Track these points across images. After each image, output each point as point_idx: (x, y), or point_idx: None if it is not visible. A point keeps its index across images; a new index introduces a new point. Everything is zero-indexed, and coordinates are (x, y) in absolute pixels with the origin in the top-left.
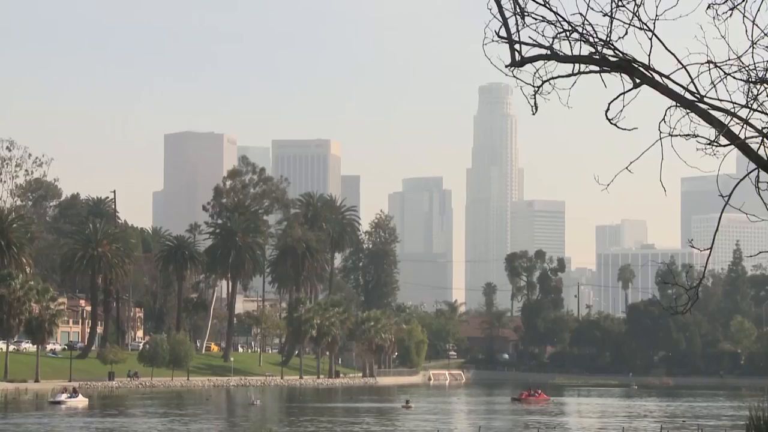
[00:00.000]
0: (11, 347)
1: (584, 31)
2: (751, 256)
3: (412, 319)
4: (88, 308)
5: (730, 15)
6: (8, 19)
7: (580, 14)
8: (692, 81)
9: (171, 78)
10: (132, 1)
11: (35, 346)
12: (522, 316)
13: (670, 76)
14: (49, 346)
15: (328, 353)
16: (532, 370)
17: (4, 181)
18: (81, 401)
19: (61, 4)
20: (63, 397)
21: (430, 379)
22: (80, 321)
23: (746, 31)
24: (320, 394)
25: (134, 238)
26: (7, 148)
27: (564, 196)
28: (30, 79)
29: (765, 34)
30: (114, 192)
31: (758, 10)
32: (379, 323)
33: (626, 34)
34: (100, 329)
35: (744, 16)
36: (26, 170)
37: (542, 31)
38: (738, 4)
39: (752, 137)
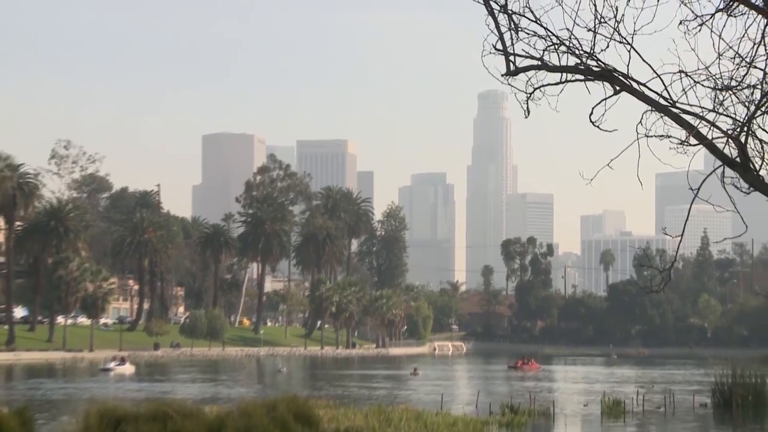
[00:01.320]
0: (69, 321)
1: (571, 45)
2: (716, 242)
3: (419, 297)
4: (136, 287)
5: (699, 30)
6: (64, 31)
7: (567, 29)
8: (666, 88)
9: (208, 84)
10: (175, 14)
11: (90, 320)
12: (515, 294)
13: (647, 84)
14: (101, 320)
15: (345, 327)
16: (524, 341)
17: (63, 176)
18: (128, 368)
19: (104, 17)
20: (112, 364)
21: (435, 349)
22: (129, 298)
23: (713, 44)
24: (339, 363)
25: (176, 226)
26: (65, 147)
27: (553, 189)
28: (84, 84)
29: (729, 47)
30: (158, 186)
31: (724, 26)
32: (390, 301)
33: (608, 47)
34: (146, 305)
35: (711, 31)
36: (81, 166)
37: (534, 45)
38: (706, 21)
39: (718, 138)
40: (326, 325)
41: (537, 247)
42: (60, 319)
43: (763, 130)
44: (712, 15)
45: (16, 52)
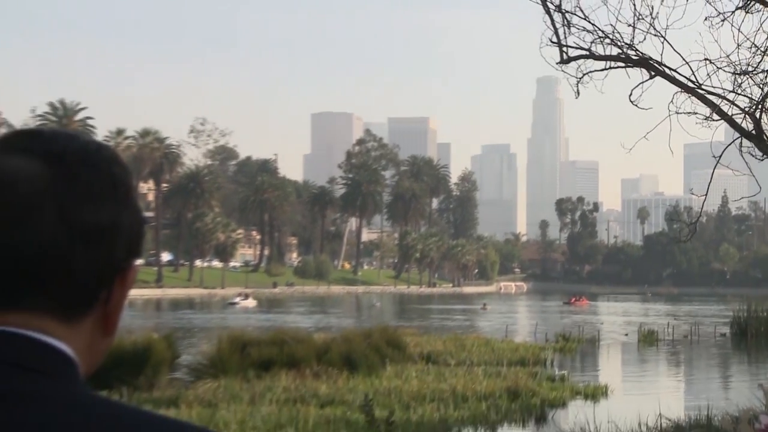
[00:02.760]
0: (205, 264)
1: (614, 37)
2: (735, 201)
3: (488, 245)
4: (258, 237)
5: (722, 25)
6: (202, 27)
7: (611, 25)
8: (693, 73)
9: (315, 70)
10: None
11: (221, 263)
12: (567, 243)
13: (677, 70)
14: (231, 263)
15: (427, 269)
16: (574, 282)
17: (199, 147)
18: (251, 302)
19: (236, 16)
20: (238, 299)
21: (500, 288)
22: (252, 246)
23: (733, 36)
24: (422, 299)
25: (290, 187)
26: (201, 123)
27: (598, 157)
28: (222, 72)
29: (747, 39)
30: (276, 155)
31: (742, 21)
32: (464, 248)
33: (644, 39)
34: (266, 252)
35: (732, 25)
36: (214, 139)
37: (583, 38)
38: (727, 17)
39: (737, 114)
40: (412, 268)
41: (585, 205)
42: (198, 263)
43: None
44: (733, 12)
45: (163, 49)
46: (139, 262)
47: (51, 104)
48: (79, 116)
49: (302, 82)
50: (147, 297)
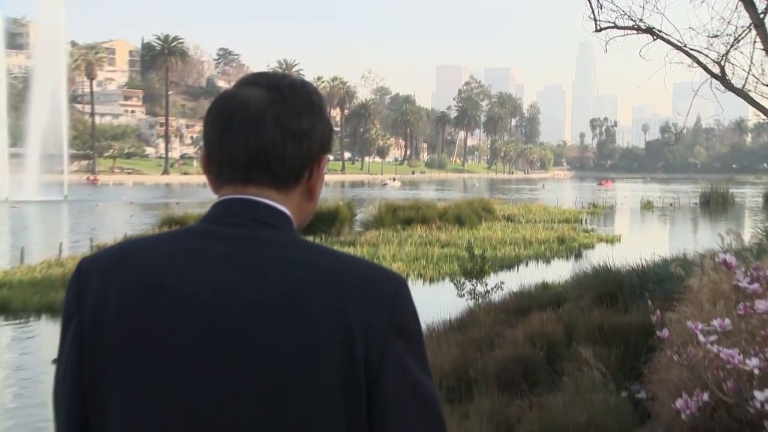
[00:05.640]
0: (370, 159)
1: (630, 14)
2: (705, 119)
3: (546, 148)
4: (403, 143)
5: (701, 4)
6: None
7: (628, 6)
8: (681, 37)
9: (440, 36)
10: None
11: (380, 159)
12: (596, 147)
13: (670, 35)
14: (386, 159)
15: (508, 163)
16: (601, 171)
17: (367, 87)
18: (397, 183)
19: None
20: (389, 181)
21: (554, 175)
22: (399, 148)
23: (708, 12)
24: (504, 182)
25: (423, 112)
26: (368, 72)
27: (618, 92)
28: (380, 35)
29: (717, 14)
30: (414, 92)
31: (716, 1)
32: (531, 150)
33: (650, 15)
34: (408, 152)
35: (708, 5)
36: (375, 82)
37: (610, 15)
38: (704, 0)
39: (709, 63)
40: (498, 162)
41: (608, 123)
42: (366, 158)
43: (734, 59)
44: None
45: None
46: (330, 156)
47: (278, 62)
48: (295, 69)
49: (431, 44)
50: (336, 180)
